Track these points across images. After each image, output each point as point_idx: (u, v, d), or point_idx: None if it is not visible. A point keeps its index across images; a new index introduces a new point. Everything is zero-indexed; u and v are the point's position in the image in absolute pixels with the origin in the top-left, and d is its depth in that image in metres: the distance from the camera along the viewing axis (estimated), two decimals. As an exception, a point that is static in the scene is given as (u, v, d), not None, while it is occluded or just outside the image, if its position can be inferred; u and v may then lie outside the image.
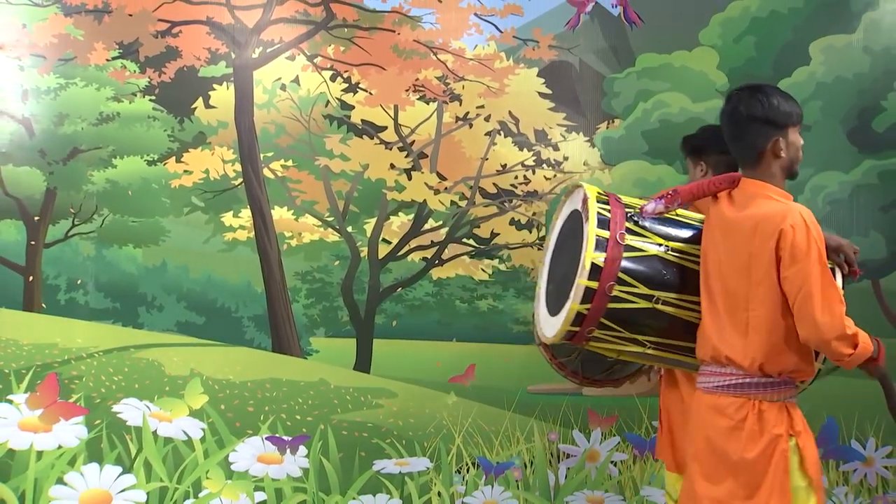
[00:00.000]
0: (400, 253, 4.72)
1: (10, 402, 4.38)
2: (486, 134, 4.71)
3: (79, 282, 4.56)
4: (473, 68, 4.67)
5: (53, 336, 4.50)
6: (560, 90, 4.70)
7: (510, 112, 4.70)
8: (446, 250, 4.73)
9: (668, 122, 4.61)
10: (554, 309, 2.59)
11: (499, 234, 4.72)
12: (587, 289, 2.39)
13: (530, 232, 4.70)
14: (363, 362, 4.68)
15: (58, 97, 4.53)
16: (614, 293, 2.42)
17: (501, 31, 4.67)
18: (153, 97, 4.59)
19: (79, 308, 4.55)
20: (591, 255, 2.39)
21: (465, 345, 4.69)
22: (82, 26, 4.51)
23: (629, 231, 2.46)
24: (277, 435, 4.52)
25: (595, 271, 2.39)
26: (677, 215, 2.57)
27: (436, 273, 4.72)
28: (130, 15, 4.53)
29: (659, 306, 2.48)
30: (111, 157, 4.58)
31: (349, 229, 4.70)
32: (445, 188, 4.71)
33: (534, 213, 4.70)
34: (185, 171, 4.61)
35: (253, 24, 4.60)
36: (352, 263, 4.70)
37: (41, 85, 4.50)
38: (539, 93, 4.70)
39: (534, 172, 4.71)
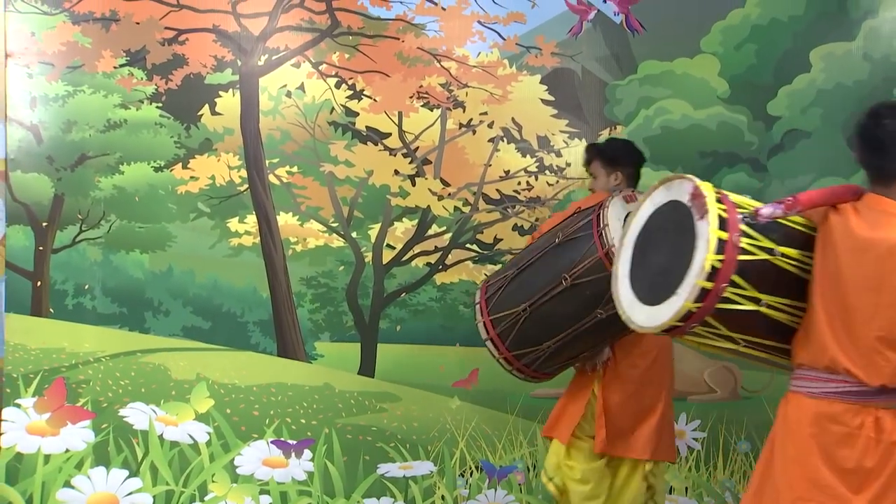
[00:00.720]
0: (404, 258, 4.70)
1: (19, 406, 4.41)
2: (489, 140, 4.69)
3: (86, 287, 4.55)
4: (477, 75, 4.66)
5: (61, 341, 4.49)
6: (563, 97, 4.69)
7: (513, 118, 4.69)
8: (450, 255, 4.71)
9: (669, 129, 4.62)
10: (650, 299, 2.62)
11: (502, 239, 4.70)
12: (701, 289, 2.44)
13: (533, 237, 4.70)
14: (367, 367, 4.67)
15: (66, 104, 4.51)
16: (724, 294, 2.47)
17: (504, 39, 4.65)
18: (160, 104, 4.56)
19: (86, 313, 4.54)
20: (711, 258, 2.43)
21: (469, 349, 4.65)
22: (90, 34, 4.50)
23: (742, 233, 2.49)
24: (282, 439, 4.55)
25: (712, 273, 2.43)
26: (788, 220, 2.59)
27: (439, 278, 4.70)
28: (138, 23, 4.51)
29: (763, 309, 2.52)
30: (118, 163, 4.56)
31: (354, 235, 4.68)
32: (449, 194, 4.69)
33: (536, 219, 4.68)
34: (192, 178, 4.59)
35: (259, 31, 4.59)
36: (356, 269, 4.69)
37: (49, 92, 4.49)
38: (542, 100, 4.68)
39: (536, 178, 4.70)
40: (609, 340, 3.53)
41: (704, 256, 2.45)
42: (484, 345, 3.53)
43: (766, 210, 2.52)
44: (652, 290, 2.63)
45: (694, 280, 2.45)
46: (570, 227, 3.36)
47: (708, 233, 2.46)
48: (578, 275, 3.26)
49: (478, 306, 3.51)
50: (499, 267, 4.65)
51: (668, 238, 2.64)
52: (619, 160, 3.75)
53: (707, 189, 2.54)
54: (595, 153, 3.81)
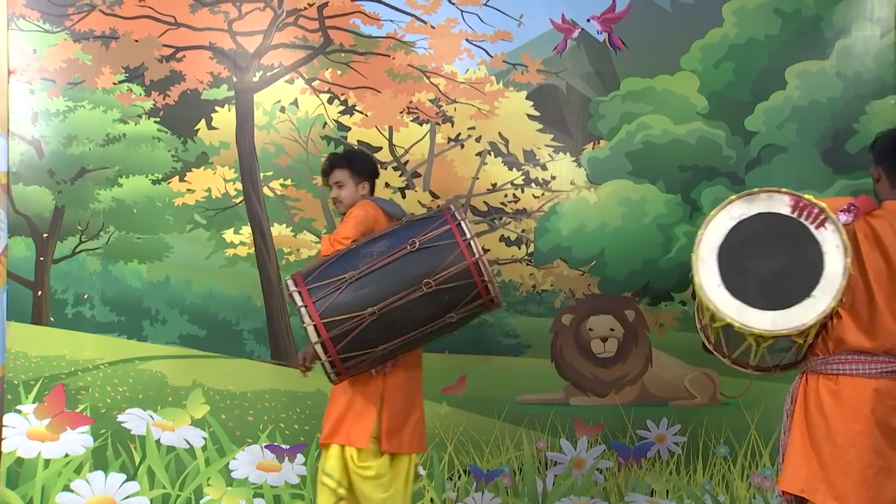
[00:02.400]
0: None
1: (19, 412, 4.49)
2: (476, 154, 4.74)
3: (86, 296, 4.62)
4: (465, 91, 4.71)
5: (61, 349, 4.57)
6: (548, 112, 4.72)
7: (500, 133, 4.73)
8: None
9: (651, 143, 4.65)
10: (769, 304, 2.90)
11: (489, 250, 4.69)
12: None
13: (519, 248, 4.73)
14: None
15: (66, 119, 4.60)
16: None
17: (492, 56, 4.70)
18: (158, 119, 4.63)
19: (85, 321, 4.61)
20: (847, 260, 2.84)
21: (457, 357, 4.69)
22: (90, 52, 4.59)
23: None
24: (276, 443, 4.60)
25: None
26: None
27: None
28: (136, 41, 4.60)
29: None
30: (117, 176, 4.63)
31: None
32: (438, 206, 4.74)
33: (523, 230, 4.73)
34: (188, 190, 4.65)
35: (254, 49, 4.67)
36: None
37: (51, 107, 4.57)
38: (528, 115, 4.72)
39: (523, 191, 4.73)
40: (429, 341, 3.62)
41: (844, 259, 2.83)
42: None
43: (843, 218, 2.93)
44: (766, 295, 2.91)
45: (839, 281, 2.82)
46: (424, 235, 3.38)
47: (840, 239, 2.86)
48: (441, 281, 3.33)
49: (305, 309, 3.35)
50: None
51: (774, 247, 2.93)
52: (367, 171, 3.85)
53: (814, 199, 2.92)
54: (345, 163, 3.82)
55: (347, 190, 3.80)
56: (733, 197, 3.00)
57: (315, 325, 3.33)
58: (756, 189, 3.02)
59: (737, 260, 2.94)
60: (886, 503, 2.96)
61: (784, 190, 3.00)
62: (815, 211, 2.93)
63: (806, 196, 2.96)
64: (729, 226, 2.96)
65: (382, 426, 3.63)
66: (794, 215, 2.95)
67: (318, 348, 3.34)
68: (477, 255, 3.37)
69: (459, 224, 3.41)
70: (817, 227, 2.91)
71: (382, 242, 3.44)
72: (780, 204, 2.97)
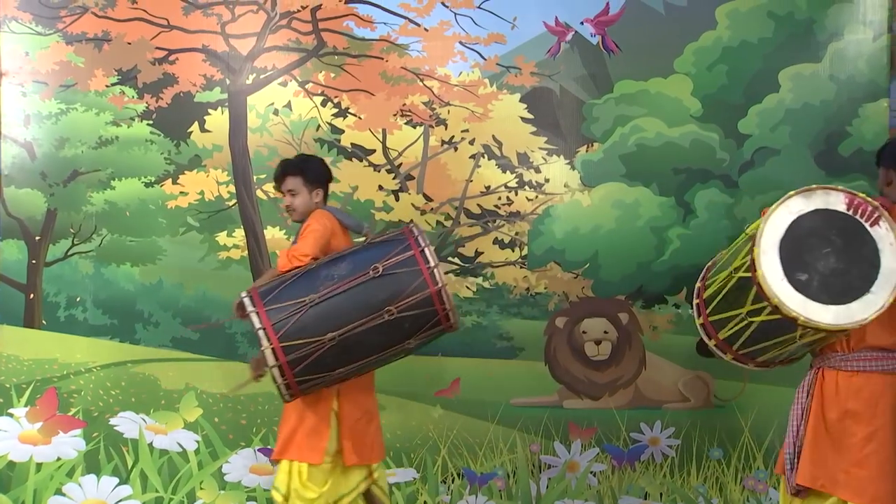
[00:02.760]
0: None
1: (11, 415, 4.49)
2: (470, 157, 4.74)
3: (78, 299, 4.61)
4: (458, 94, 4.71)
5: (53, 351, 4.56)
6: (541, 115, 4.72)
7: (494, 136, 4.73)
8: None
9: (644, 146, 4.65)
10: (830, 299, 3.00)
11: (483, 252, 4.73)
12: None
13: (513, 251, 4.73)
14: None
15: (59, 122, 4.59)
16: None
17: (485, 59, 4.70)
18: (150, 121, 4.63)
19: (78, 324, 4.60)
20: None
21: (451, 359, 4.70)
22: (83, 54, 4.59)
23: None
24: (269, 447, 4.55)
25: None
26: None
27: None
28: (129, 43, 4.60)
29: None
30: (110, 179, 4.62)
31: None
32: (431, 209, 4.74)
33: (516, 233, 4.73)
34: (181, 193, 4.64)
35: (247, 51, 4.66)
36: None
37: (43, 110, 4.57)
38: (521, 118, 4.72)
39: (516, 194, 4.73)
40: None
41: None
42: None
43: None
44: (827, 290, 3.00)
45: (895, 281, 2.98)
46: (387, 260, 3.36)
47: (893, 236, 3.03)
48: (403, 308, 3.32)
49: (263, 332, 3.30)
50: (482, 283, 4.74)
51: (833, 243, 3.04)
52: (321, 177, 3.77)
53: (867, 198, 3.05)
54: (298, 170, 3.73)
55: (301, 198, 3.72)
56: (792, 193, 3.09)
57: (273, 349, 3.29)
58: (813, 185, 3.12)
59: (798, 254, 3.02)
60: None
61: (840, 188, 3.11)
62: (869, 209, 3.05)
63: (860, 194, 3.07)
64: (789, 220, 3.05)
65: (343, 440, 3.61)
66: (850, 212, 3.06)
67: (275, 371, 3.31)
68: (440, 284, 3.37)
69: (423, 250, 3.39)
70: (871, 225, 3.04)
71: (344, 265, 3.39)
72: (837, 201, 3.08)
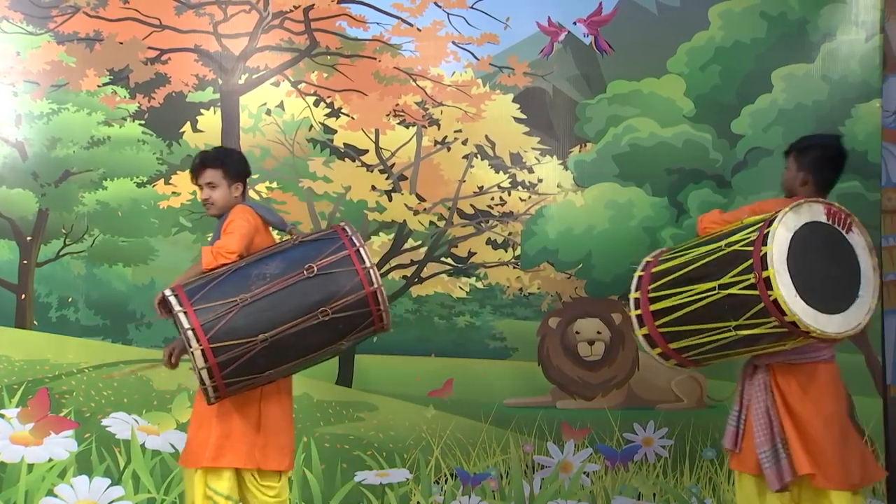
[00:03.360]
0: (381, 271, 4.64)
1: (2, 416, 4.46)
2: (463, 157, 4.74)
3: (70, 299, 4.59)
4: (451, 94, 4.72)
5: (45, 352, 4.54)
6: (534, 115, 4.73)
7: (487, 136, 4.74)
8: (425, 269, 4.74)
9: (637, 146, 4.67)
10: (832, 308, 3.09)
11: (476, 253, 4.74)
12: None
13: (506, 251, 4.73)
14: (345, 377, 4.69)
15: (50, 122, 4.57)
16: None
17: (478, 59, 4.71)
18: (142, 122, 4.62)
19: (70, 325, 4.58)
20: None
21: (444, 360, 4.71)
22: (74, 54, 4.57)
23: None
24: None
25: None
26: None
27: (415, 291, 4.74)
28: (121, 43, 4.59)
29: None
30: (102, 179, 4.60)
31: None
32: (424, 209, 4.74)
33: (509, 234, 4.73)
34: (174, 193, 4.63)
35: (239, 51, 4.66)
36: None
37: (34, 110, 4.55)
38: (514, 118, 4.73)
39: (509, 194, 4.74)
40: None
41: (872, 258, 3.17)
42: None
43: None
44: (827, 300, 3.07)
45: (874, 278, 3.14)
46: (321, 260, 3.28)
47: (865, 239, 3.18)
48: (337, 309, 3.25)
49: (192, 332, 3.16)
50: (475, 283, 4.73)
51: (823, 254, 3.13)
52: (241, 171, 3.63)
53: (839, 206, 3.16)
54: (219, 163, 3.57)
55: (220, 191, 3.56)
56: (786, 209, 3.11)
57: (203, 350, 3.15)
58: (800, 200, 3.19)
59: (800, 269, 3.06)
60: (855, 472, 3.29)
61: (820, 200, 3.20)
62: (843, 216, 3.16)
63: (834, 203, 3.17)
64: (789, 237, 3.07)
65: (266, 446, 3.48)
66: (829, 222, 3.16)
67: (204, 373, 3.18)
68: (376, 285, 3.30)
69: (358, 250, 3.33)
70: (847, 232, 3.16)
71: (275, 264, 3.29)
72: (819, 212, 3.16)
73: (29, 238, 4.57)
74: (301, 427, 4.55)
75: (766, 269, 3.00)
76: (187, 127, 4.67)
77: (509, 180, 4.76)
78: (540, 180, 4.75)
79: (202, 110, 4.67)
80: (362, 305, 3.30)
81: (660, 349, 3.37)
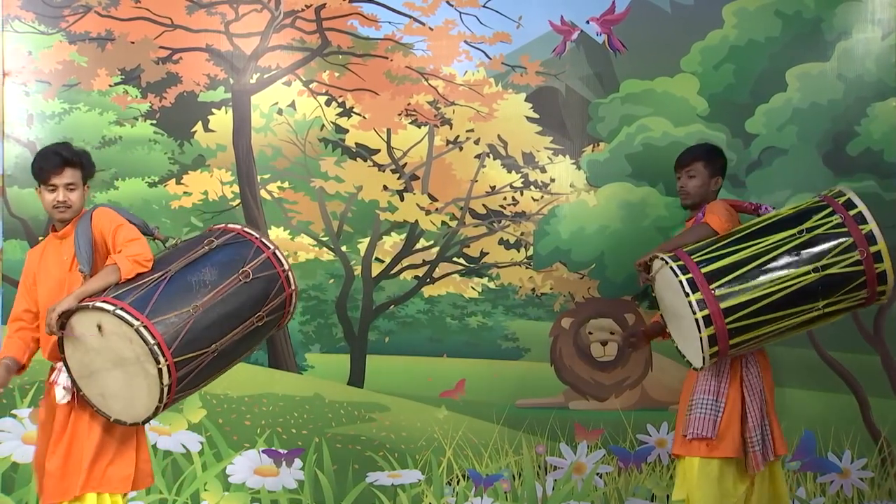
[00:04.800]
0: (392, 271, 4.74)
1: (14, 416, 4.48)
2: (475, 157, 4.74)
3: None
4: (463, 93, 4.70)
5: (57, 353, 4.56)
6: (547, 115, 4.72)
7: (499, 136, 4.72)
8: (437, 269, 4.74)
9: (650, 146, 4.64)
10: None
11: (488, 253, 4.73)
12: None
13: (518, 251, 4.72)
14: (357, 377, 4.71)
15: (62, 121, 4.58)
16: None
17: (490, 58, 4.70)
18: (154, 121, 4.62)
19: None
20: None
21: (456, 360, 4.71)
22: (86, 53, 4.58)
23: None
24: (273, 448, 4.61)
25: None
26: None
27: (427, 291, 4.74)
28: (132, 42, 4.59)
29: None
30: (113, 178, 4.60)
31: (343, 249, 4.72)
32: (436, 209, 4.74)
33: (522, 233, 4.72)
34: (185, 193, 4.64)
35: (251, 51, 4.66)
36: (346, 282, 4.72)
37: (46, 110, 4.56)
38: (527, 117, 4.72)
39: (522, 194, 4.73)
40: None
41: None
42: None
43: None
44: None
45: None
46: (252, 264, 3.30)
47: None
48: (268, 312, 3.32)
49: (157, 347, 3.01)
50: (487, 283, 4.73)
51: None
52: (92, 174, 3.47)
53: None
54: (79, 163, 3.37)
55: (79, 193, 3.35)
56: (847, 191, 3.52)
57: (168, 366, 3.04)
58: (838, 188, 3.60)
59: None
60: None
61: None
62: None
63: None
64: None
65: (140, 466, 3.38)
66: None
67: (164, 391, 3.06)
68: (294, 287, 3.40)
69: (275, 252, 3.36)
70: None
71: (208, 270, 3.24)
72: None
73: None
74: (313, 428, 4.64)
75: (875, 244, 3.36)
76: (199, 127, 4.67)
77: (522, 180, 4.75)
78: (552, 180, 4.74)
79: (213, 110, 4.67)
80: (283, 307, 3.39)
81: (717, 348, 3.38)
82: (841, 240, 3.38)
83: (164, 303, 3.11)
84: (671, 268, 3.42)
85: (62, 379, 3.25)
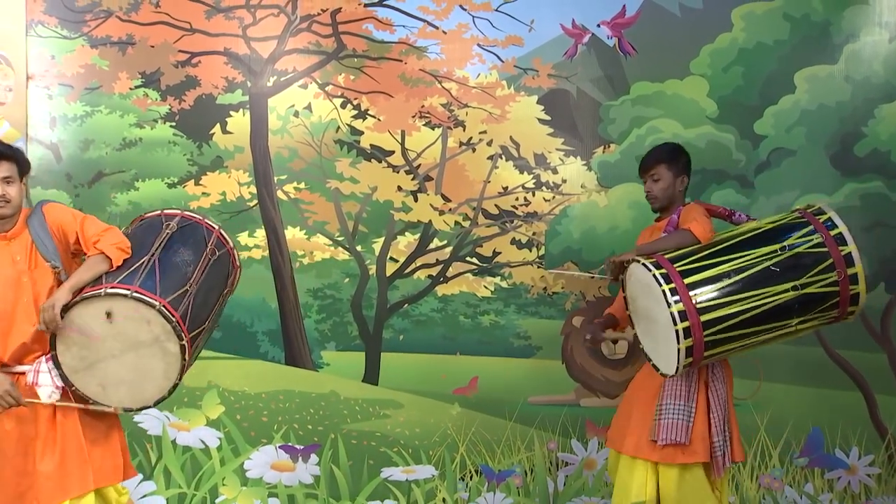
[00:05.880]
0: (407, 271, 4.79)
1: (38, 412, 4.55)
2: (488, 158, 4.78)
3: None
4: (476, 96, 4.75)
5: (79, 350, 4.62)
6: (558, 116, 4.76)
7: (511, 137, 4.77)
8: (450, 268, 4.79)
9: None
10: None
11: (500, 252, 4.78)
12: None
13: (530, 251, 4.77)
14: (371, 375, 4.75)
15: (84, 124, 4.65)
16: None
17: (503, 61, 4.74)
18: (173, 123, 4.69)
19: None
20: None
21: (469, 358, 4.75)
22: (107, 57, 4.65)
23: None
24: (290, 444, 4.66)
25: None
26: None
27: (441, 290, 4.79)
28: (152, 46, 4.66)
29: None
30: (133, 180, 4.67)
31: (358, 248, 4.77)
32: (450, 209, 4.79)
33: (534, 233, 4.77)
34: (204, 194, 4.71)
35: (268, 54, 4.72)
36: (361, 281, 4.77)
37: (68, 112, 4.63)
38: (538, 119, 4.76)
39: (534, 194, 4.78)
40: None
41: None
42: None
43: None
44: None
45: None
46: (211, 244, 3.49)
47: None
48: (230, 286, 3.64)
49: (178, 325, 3.15)
50: (500, 282, 4.79)
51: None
52: (28, 169, 3.42)
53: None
54: (14, 158, 3.31)
55: (17, 187, 3.28)
56: (827, 209, 3.55)
57: (184, 344, 3.17)
58: (817, 203, 3.64)
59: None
60: None
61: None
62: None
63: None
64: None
65: (123, 455, 3.49)
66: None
67: (181, 371, 3.21)
68: (239, 264, 3.70)
69: (220, 230, 3.59)
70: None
71: (184, 250, 3.38)
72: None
73: None
74: (328, 424, 4.69)
75: (853, 265, 3.39)
76: (217, 129, 4.72)
77: (533, 181, 4.79)
78: (564, 181, 4.78)
79: (231, 112, 4.73)
80: (234, 282, 3.68)
81: (692, 358, 3.38)
82: (821, 260, 3.39)
83: (167, 283, 3.22)
84: (654, 276, 3.38)
85: (46, 379, 3.20)
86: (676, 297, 3.33)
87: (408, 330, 4.78)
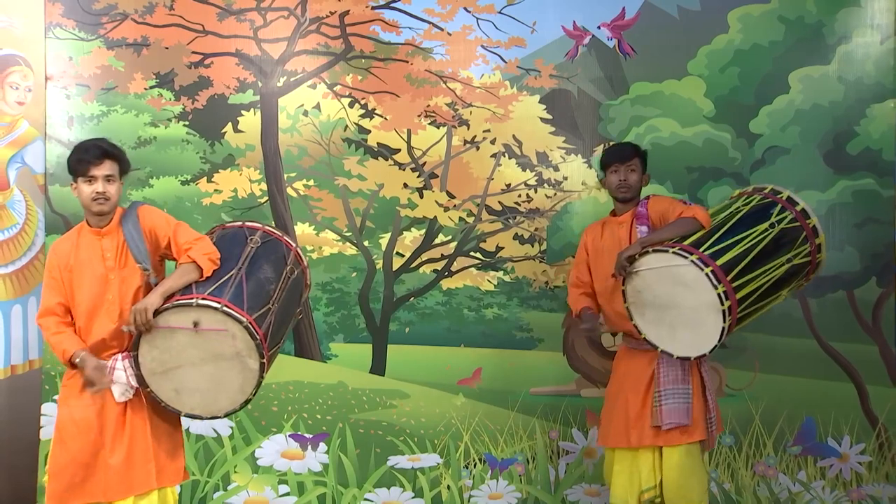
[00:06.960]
0: (412, 265, 4.86)
1: (53, 400, 4.58)
2: (491, 156, 4.86)
3: None
4: (480, 96, 4.83)
5: (96, 341, 4.70)
6: (560, 116, 4.83)
7: (514, 136, 4.85)
8: (455, 263, 4.86)
9: (659, 146, 4.73)
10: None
11: (503, 247, 4.85)
12: None
13: (532, 246, 4.85)
14: (378, 366, 4.82)
15: (100, 123, 4.73)
16: None
17: (506, 62, 4.82)
18: (187, 122, 4.76)
19: None
20: None
21: (473, 350, 4.82)
22: (123, 58, 4.74)
23: None
24: (300, 433, 4.73)
25: None
26: None
27: (445, 284, 4.85)
28: (167, 48, 4.74)
29: None
30: (148, 177, 4.75)
31: (366, 243, 4.84)
32: (454, 206, 4.86)
33: (536, 229, 4.84)
34: (216, 191, 4.78)
35: (278, 55, 4.80)
36: (368, 275, 4.84)
37: (85, 112, 4.72)
38: (540, 118, 4.84)
39: (536, 191, 4.85)
40: None
41: None
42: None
43: None
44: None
45: None
46: (289, 261, 3.56)
47: None
48: (303, 306, 3.82)
49: (260, 343, 3.22)
50: (503, 277, 4.88)
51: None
52: (128, 167, 3.49)
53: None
54: (115, 154, 3.40)
55: (116, 186, 3.39)
56: (783, 189, 3.98)
57: (263, 363, 3.24)
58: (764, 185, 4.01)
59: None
60: None
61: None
62: None
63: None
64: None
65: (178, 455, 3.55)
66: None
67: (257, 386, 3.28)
68: (310, 282, 3.78)
69: (297, 249, 3.64)
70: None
71: (266, 268, 3.41)
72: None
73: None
74: (337, 413, 4.75)
75: (818, 236, 3.80)
76: (229, 127, 4.80)
77: (535, 178, 4.86)
78: (565, 178, 4.85)
79: (243, 111, 4.80)
80: (305, 300, 3.81)
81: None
82: (798, 233, 3.77)
83: (253, 300, 3.26)
84: (692, 261, 3.49)
85: (121, 377, 3.25)
86: (716, 280, 3.48)
87: (414, 322, 4.84)
